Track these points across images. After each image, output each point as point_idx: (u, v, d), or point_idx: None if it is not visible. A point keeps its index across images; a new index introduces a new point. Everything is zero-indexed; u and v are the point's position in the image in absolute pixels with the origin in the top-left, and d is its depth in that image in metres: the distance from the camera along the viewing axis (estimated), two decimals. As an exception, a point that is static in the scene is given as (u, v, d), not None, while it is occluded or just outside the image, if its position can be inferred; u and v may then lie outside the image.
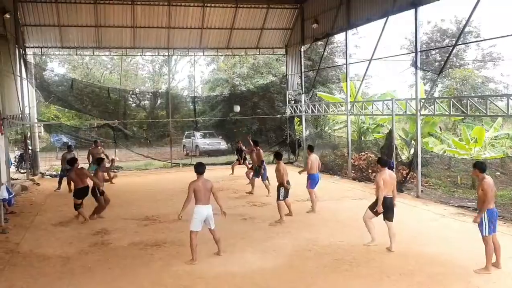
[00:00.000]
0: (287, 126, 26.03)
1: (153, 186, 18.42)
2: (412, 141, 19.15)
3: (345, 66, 20.63)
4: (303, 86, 24.33)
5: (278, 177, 11.92)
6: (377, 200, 9.27)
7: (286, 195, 12.00)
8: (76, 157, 14.31)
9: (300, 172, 13.84)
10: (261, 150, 16.90)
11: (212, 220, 8.77)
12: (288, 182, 11.86)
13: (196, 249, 8.64)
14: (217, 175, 19.42)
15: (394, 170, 15.53)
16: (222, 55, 31.47)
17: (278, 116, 27.44)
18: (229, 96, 30.05)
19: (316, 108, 22.90)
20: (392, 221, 9.33)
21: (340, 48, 32.00)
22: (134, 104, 34.03)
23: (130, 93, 33.18)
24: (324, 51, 24.26)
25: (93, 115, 25.47)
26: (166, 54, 25.78)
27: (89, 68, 41.10)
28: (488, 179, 7.95)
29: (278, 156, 12.64)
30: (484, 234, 7.95)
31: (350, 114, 20.04)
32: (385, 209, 9.24)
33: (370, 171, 18.72)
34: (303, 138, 24.21)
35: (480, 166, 8.07)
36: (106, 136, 26.56)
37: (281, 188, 11.87)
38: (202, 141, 30.53)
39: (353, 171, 19.41)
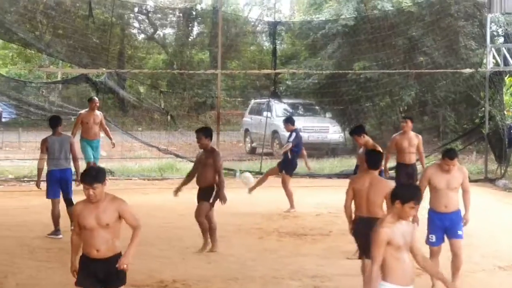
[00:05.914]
0: (485, 96, 13.46)
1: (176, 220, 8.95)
2: None
3: None
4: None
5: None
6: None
7: None
8: None
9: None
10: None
11: None
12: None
13: None
14: (318, 201, 10.26)
15: None
16: None
17: (466, 71, 13.88)
18: (353, 25, 16.24)
19: None
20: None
21: None
22: (143, 35, 20.37)
23: (135, 10, 19.18)
24: None
25: (56, 55, 14.49)
26: None
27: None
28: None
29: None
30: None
31: None
32: None
33: None
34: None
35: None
36: (81, 103, 14.74)
37: None
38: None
39: None
